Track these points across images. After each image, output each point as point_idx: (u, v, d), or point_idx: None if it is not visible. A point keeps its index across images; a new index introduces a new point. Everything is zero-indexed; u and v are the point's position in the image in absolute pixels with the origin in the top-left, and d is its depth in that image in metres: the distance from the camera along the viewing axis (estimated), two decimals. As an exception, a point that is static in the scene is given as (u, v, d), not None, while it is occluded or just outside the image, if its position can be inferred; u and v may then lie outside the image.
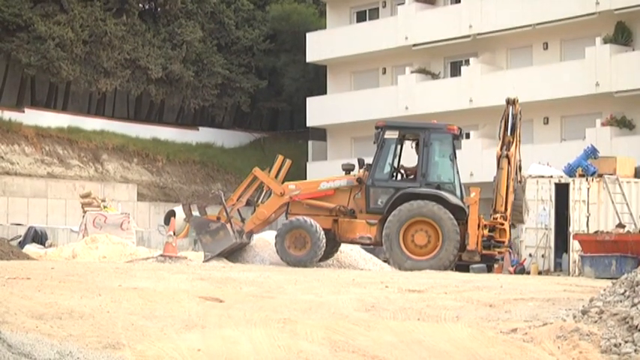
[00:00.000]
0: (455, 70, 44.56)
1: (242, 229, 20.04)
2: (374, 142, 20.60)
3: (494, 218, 19.43)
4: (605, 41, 38.88)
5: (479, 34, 42.42)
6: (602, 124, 36.45)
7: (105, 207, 29.67)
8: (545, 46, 41.89)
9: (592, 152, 26.73)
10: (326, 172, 45.18)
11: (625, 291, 7.86)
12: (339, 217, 19.77)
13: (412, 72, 44.78)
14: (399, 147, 20.33)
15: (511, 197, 19.75)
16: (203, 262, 18.66)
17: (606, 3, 38.57)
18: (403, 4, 45.07)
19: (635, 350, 6.88)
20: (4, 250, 17.71)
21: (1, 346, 5.65)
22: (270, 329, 7.29)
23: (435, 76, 44.95)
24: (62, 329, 7.12)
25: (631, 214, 25.39)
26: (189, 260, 20.84)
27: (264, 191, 20.54)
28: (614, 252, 20.03)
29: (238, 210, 20.68)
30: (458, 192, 19.66)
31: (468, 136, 42.03)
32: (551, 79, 39.78)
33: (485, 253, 19.34)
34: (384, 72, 47.11)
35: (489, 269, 20.58)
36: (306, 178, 46.92)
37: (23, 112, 44.72)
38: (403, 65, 45.25)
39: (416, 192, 19.35)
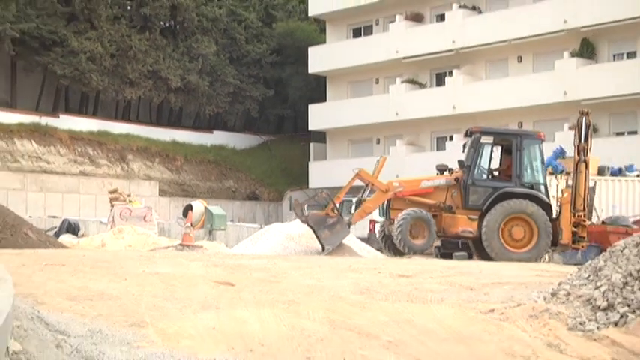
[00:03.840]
0: (440, 81, 44.60)
1: (349, 221, 19.54)
2: (465, 146, 20.14)
3: (578, 216, 19.28)
4: (572, 55, 38.99)
5: (461, 48, 42.46)
6: (570, 129, 36.34)
7: (130, 202, 29.68)
8: (520, 59, 41.91)
9: (561, 153, 26.71)
10: (326, 171, 45.40)
11: (589, 275, 7.87)
12: (437, 212, 19.42)
13: (402, 82, 44.84)
14: (493, 150, 20.05)
15: (590, 197, 19.79)
16: (324, 254, 18.10)
17: (573, 21, 38.64)
18: (394, 22, 45.13)
19: (598, 327, 6.89)
20: (41, 240, 17.67)
21: (40, 324, 5.66)
22: (277, 310, 7.30)
23: (422, 86, 44.99)
24: (93, 309, 7.12)
25: (594, 208, 25.36)
26: (205, 249, 20.84)
27: (369, 188, 20.08)
28: None
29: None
30: (543, 191, 19.59)
31: (451, 138, 42.08)
32: (524, 88, 39.85)
33: (573, 247, 19.37)
34: (377, 82, 47.11)
35: (470, 257, 20.53)
36: (308, 177, 47.08)
37: (58, 117, 44.76)
38: (394, 76, 45.28)
39: (514, 191, 19.18)
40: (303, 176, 47.80)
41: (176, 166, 47.52)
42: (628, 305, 7.03)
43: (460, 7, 42.93)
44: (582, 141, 19.55)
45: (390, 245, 19.46)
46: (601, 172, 26.58)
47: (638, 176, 28.44)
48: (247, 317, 6.86)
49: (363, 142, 47.11)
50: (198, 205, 28.26)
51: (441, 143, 43.93)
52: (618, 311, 7.01)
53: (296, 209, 19.55)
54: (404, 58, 44.29)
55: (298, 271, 11.16)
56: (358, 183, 20.23)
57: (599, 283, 7.48)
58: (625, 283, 7.27)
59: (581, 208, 19.40)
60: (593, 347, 6.51)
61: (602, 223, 21.88)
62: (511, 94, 39.98)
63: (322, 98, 48.74)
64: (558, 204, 19.72)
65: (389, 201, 19.95)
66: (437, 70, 44.78)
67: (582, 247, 19.48)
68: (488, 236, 18.88)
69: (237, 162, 50.18)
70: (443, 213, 19.50)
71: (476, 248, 19.86)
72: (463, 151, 20.22)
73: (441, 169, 20.41)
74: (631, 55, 38.50)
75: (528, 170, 19.57)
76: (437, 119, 43.15)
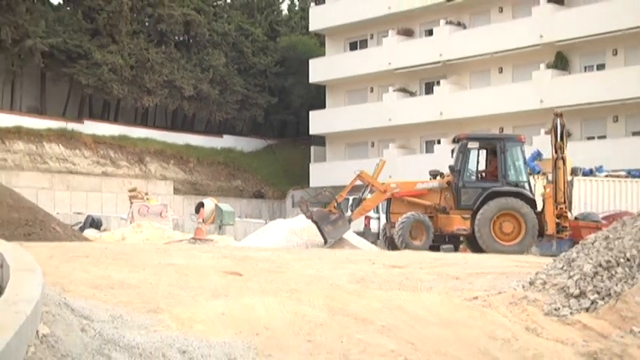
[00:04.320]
0: (428, 90, 44.62)
1: (350, 217, 19.51)
2: (454, 151, 20.10)
3: (560, 208, 19.29)
4: (548, 67, 39.02)
5: (447, 60, 42.48)
6: (546, 133, 36.32)
7: (147, 199, 29.69)
8: (500, 70, 41.92)
9: (537, 155, 26.73)
10: (325, 171, 45.40)
11: (563, 266, 7.86)
12: (433, 214, 19.37)
13: (394, 91, 44.85)
14: (479, 154, 20.03)
15: (569, 191, 19.78)
16: (327, 247, 18.10)
17: (548, 36, 38.69)
18: (387, 36, 45.15)
19: (571, 313, 6.88)
20: (67, 234, 17.68)
21: (66, 310, 5.65)
22: (280, 297, 7.29)
23: (412, 94, 45.01)
24: (114, 297, 7.12)
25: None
26: (215, 242, 20.84)
27: (368, 188, 20.01)
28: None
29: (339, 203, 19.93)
30: (527, 188, 19.55)
31: (439, 142, 42.07)
32: (505, 96, 39.88)
33: (557, 237, 19.34)
34: (372, 91, 47.12)
35: (456, 249, 20.53)
36: (309, 177, 47.07)
37: (83, 123, 44.79)
38: (387, 85, 45.30)
39: (501, 190, 19.15)
40: (304, 176, 47.79)
41: (189, 167, 47.52)
42: (598, 293, 7.03)
43: (447, 23, 42.93)
44: (559, 140, 19.65)
45: (391, 245, 19.41)
46: (574, 172, 26.58)
47: (606, 176, 28.46)
48: (254, 304, 6.86)
49: (359, 145, 47.11)
50: (209, 203, 28.28)
51: (429, 146, 43.96)
52: (589, 298, 7.00)
53: (302, 206, 19.59)
54: (396, 69, 44.31)
55: (300, 262, 11.16)
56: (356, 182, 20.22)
57: (572, 273, 7.48)
58: (595, 273, 7.27)
59: (562, 200, 19.46)
60: (567, 331, 6.50)
61: (575, 218, 21.86)
62: (493, 101, 40.01)
63: (322, 105, 48.73)
64: (541, 199, 19.72)
65: (389, 204, 19.93)
66: (426, 80, 44.78)
67: (566, 235, 19.43)
68: (481, 232, 18.87)
69: (244, 163, 50.18)
70: (438, 214, 19.49)
71: (469, 243, 19.82)
72: (452, 157, 20.20)
73: (434, 174, 20.39)
74: (600, 67, 38.55)
75: (512, 170, 19.55)
76: (426, 124, 43.15)
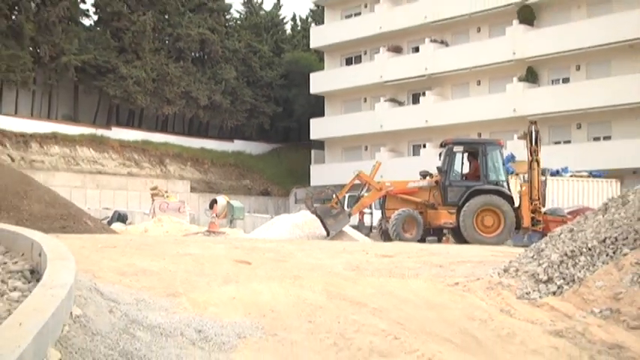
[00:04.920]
0: (415, 100, 44.64)
1: (350, 212, 19.48)
2: (441, 155, 20.07)
3: (534, 204, 19.29)
4: (520, 80, 39.06)
5: (432, 74, 42.49)
6: (518, 138, 36.28)
7: (167, 196, 29.69)
8: (478, 83, 41.94)
9: (511, 158, 26.70)
10: (324, 172, 45.39)
11: (533, 255, 7.87)
12: (423, 209, 19.33)
13: (385, 101, 44.85)
14: (463, 157, 19.96)
15: (542, 189, 19.74)
16: (328, 238, 18.09)
17: (520, 53, 38.76)
18: (378, 53, 45.18)
19: (540, 297, 6.88)
20: (97, 227, 17.68)
21: (96, 294, 5.65)
22: (284, 283, 7.29)
23: (401, 104, 45.01)
24: (138, 282, 7.11)
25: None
26: (227, 234, 20.83)
27: (366, 186, 19.98)
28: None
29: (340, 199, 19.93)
30: (506, 186, 19.48)
31: (424, 146, 42.07)
32: (482, 106, 39.89)
33: (533, 229, 19.29)
34: (365, 101, 47.12)
35: (439, 241, 20.53)
36: (310, 178, 47.05)
37: (110, 129, 44.80)
38: (378, 96, 45.31)
39: (483, 188, 19.12)
40: (305, 176, 47.79)
41: (204, 168, 47.51)
42: (564, 279, 7.03)
43: (431, 41, 42.93)
44: (533, 144, 19.67)
45: (386, 237, 19.40)
46: (543, 173, 26.59)
47: (571, 176, 28.50)
48: (261, 289, 6.85)
49: (354, 149, 47.10)
50: (222, 200, 28.26)
51: (416, 150, 43.95)
52: (556, 283, 7.00)
53: (307, 202, 19.66)
54: (386, 81, 44.29)
55: (302, 252, 11.15)
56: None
57: (541, 262, 7.48)
58: (561, 262, 7.27)
59: (537, 197, 19.50)
60: (536, 312, 6.50)
61: (544, 213, 21.88)
62: (472, 110, 40.02)
63: (321, 114, 48.72)
64: (518, 196, 19.69)
65: (384, 201, 19.90)
66: (413, 92, 44.78)
67: (540, 228, 19.41)
68: (465, 225, 18.85)
69: (252, 165, 50.18)
70: (428, 209, 19.48)
71: (455, 235, 19.81)
72: (440, 159, 20.20)
73: (424, 175, 20.39)
74: (565, 81, 38.57)
75: (493, 171, 19.54)
76: (413, 131, 43.15)
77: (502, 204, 18.93)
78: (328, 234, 18.54)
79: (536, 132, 19.76)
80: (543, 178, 21.06)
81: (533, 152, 19.61)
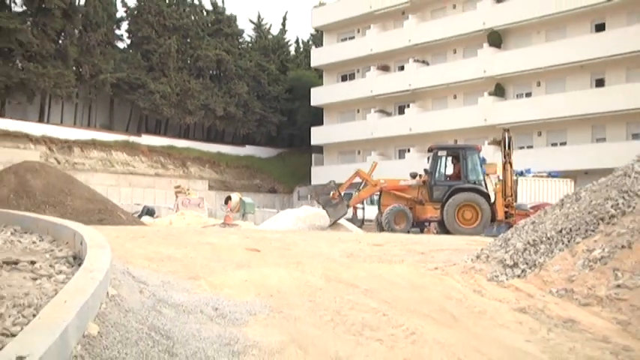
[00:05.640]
0: (401, 111, 44.62)
1: (348, 202, 19.53)
2: (429, 158, 20.11)
3: (507, 200, 19.31)
4: (490, 94, 39.08)
5: (415, 89, 42.51)
6: (489, 144, 36.49)
7: (189, 194, 29.66)
8: (455, 97, 41.97)
9: (483, 161, 26.61)
10: (323, 173, 45.37)
11: (501, 244, 7.87)
12: (412, 205, 19.33)
13: (375, 112, 44.84)
14: (447, 160, 19.93)
15: (514, 187, 19.71)
16: (328, 226, 18.11)
17: (490, 71, 38.80)
18: (369, 71, 45.17)
19: (507, 279, 6.89)
20: (129, 220, 17.70)
21: (129, 277, 5.66)
22: (289, 268, 7.29)
23: (388, 115, 45.00)
24: (164, 267, 7.12)
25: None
26: (240, 226, 20.78)
27: (364, 183, 20.02)
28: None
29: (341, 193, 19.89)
30: (484, 185, 19.48)
31: (409, 151, 42.06)
32: (458, 117, 39.90)
33: (506, 221, 19.27)
34: (358, 112, 47.13)
35: (422, 231, 20.52)
36: (310, 179, 47.04)
37: (141, 136, 44.77)
38: (369, 108, 45.31)
39: (463, 187, 19.10)
40: (306, 176, 47.79)
41: (220, 170, 47.50)
42: (527, 264, 7.04)
43: (414, 61, 42.95)
44: (507, 149, 19.71)
45: (380, 228, 19.43)
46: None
47: (533, 177, 28.48)
48: (269, 273, 6.85)
49: (348, 153, 47.10)
50: (235, 196, 28.24)
51: (402, 154, 43.95)
52: (520, 268, 7.01)
53: (312, 193, 19.71)
54: (376, 95, 44.31)
55: (304, 242, 11.15)
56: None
57: (508, 249, 7.49)
58: (525, 249, 7.28)
59: (510, 194, 19.50)
60: (504, 292, 6.51)
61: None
62: (449, 120, 40.03)
63: (320, 123, 48.71)
64: (493, 193, 19.68)
65: (380, 197, 19.92)
66: (399, 104, 44.78)
67: (514, 221, 19.38)
68: (448, 218, 18.84)
69: (261, 166, 50.17)
70: (416, 205, 19.49)
71: (439, 226, 19.86)
72: (427, 162, 20.23)
73: (413, 175, 20.41)
74: (528, 95, 38.64)
75: (472, 172, 19.51)
76: (399, 138, 43.15)
77: (480, 200, 18.91)
78: (330, 220, 18.58)
79: (509, 138, 19.82)
80: (515, 177, 21.10)
81: (507, 155, 19.64)
